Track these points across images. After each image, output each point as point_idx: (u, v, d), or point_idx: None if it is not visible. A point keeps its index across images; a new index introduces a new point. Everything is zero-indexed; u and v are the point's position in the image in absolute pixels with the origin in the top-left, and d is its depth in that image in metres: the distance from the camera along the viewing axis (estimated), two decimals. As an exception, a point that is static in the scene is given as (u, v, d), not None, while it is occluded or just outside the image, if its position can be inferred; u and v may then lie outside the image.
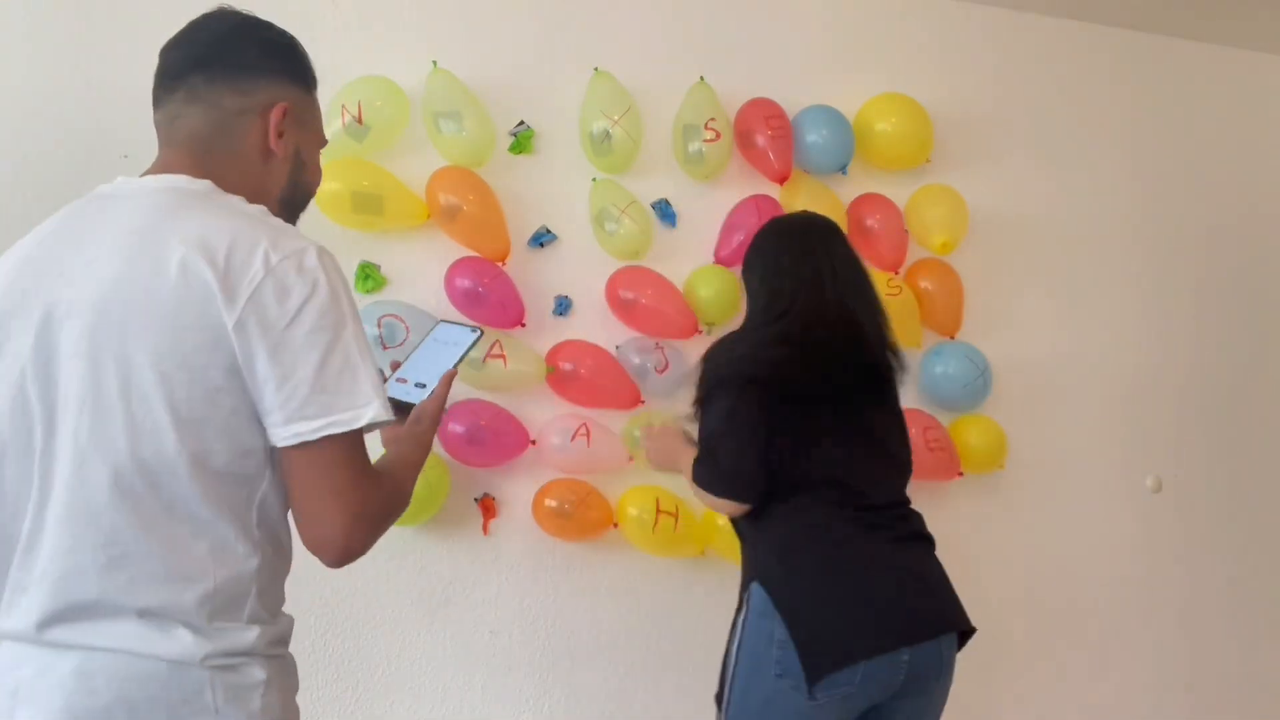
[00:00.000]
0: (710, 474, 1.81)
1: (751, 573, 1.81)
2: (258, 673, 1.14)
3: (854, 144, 2.61)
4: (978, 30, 2.87)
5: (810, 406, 1.79)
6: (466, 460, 2.32)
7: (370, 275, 2.33)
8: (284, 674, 1.20)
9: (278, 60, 1.31)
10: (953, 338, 2.71)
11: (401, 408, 1.39)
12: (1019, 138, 2.89)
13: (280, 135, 1.29)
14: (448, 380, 1.40)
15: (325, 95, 2.23)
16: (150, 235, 1.14)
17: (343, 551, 1.16)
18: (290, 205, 1.35)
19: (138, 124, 2.19)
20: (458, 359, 1.45)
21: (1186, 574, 2.99)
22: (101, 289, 1.13)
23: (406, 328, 2.24)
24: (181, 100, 1.26)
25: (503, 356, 2.30)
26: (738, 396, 1.78)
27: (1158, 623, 2.95)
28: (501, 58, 2.46)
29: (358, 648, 2.30)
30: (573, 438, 2.33)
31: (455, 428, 2.28)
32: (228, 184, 1.24)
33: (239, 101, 1.26)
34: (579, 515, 2.33)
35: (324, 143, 1.42)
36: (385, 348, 2.21)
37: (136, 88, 2.22)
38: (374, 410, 1.15)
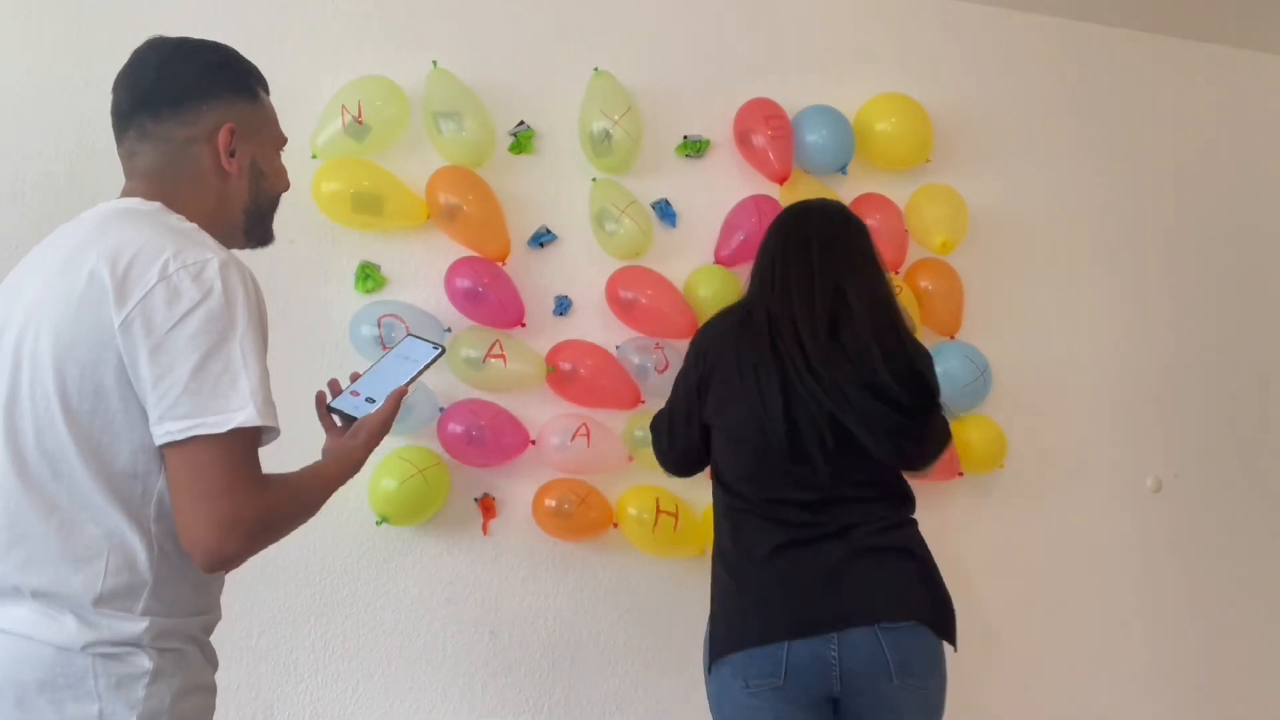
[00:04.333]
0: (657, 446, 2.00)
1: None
2: (144, 662, 1.17)
3: (854, 144, 2.61)
4: (978, 30, 2.87)
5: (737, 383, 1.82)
6: (466, 460, 2.32)
7: (370, 275, 2.33)
8: (180, 669, 1.21)
9: (216, 80, 1.35)
10: (952, 338, 2.71)
11: (348, 420, 1.39)
12: (1019, 138, 2.89)
13: (232, 155, 1.34)
14: (396, 398, 1.38)
15: (325, 95, 2.26)
16: (80, 249, 1.22)
17: (214, 557, 1.16)
18: (255, 214, 1.40)
19: (138, 124, 2.21)
20: (411, 376, 1.42)
21: (1186, 574, 2.98)
22: (34, 297, 1.24)
23: (406, 328, 2.24)
24: (134, 139, 1.33)
25: (503, 356, 2.30)
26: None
27: (1157, 623, 2.95)
28: (501, 58, 2.46)
29: (358, 648, 2.30)
30: (573, 438, 2.33)
31: (455, 428, 2.28)
32: (185, 205, 1.30)
33: (186, 132, 1.32)
34: (579, 515, 2.33)
35: (282, 142, 1.45)
36: (384, 349, 2.21)
37: (136, 88, 2.24)
38: (246, 415, 1.16)
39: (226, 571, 1.26)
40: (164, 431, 1.15)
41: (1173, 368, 3.01)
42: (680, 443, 1.92)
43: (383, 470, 2.22)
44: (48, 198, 2.14)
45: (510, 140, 2.44)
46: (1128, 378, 2.96)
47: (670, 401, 1.95)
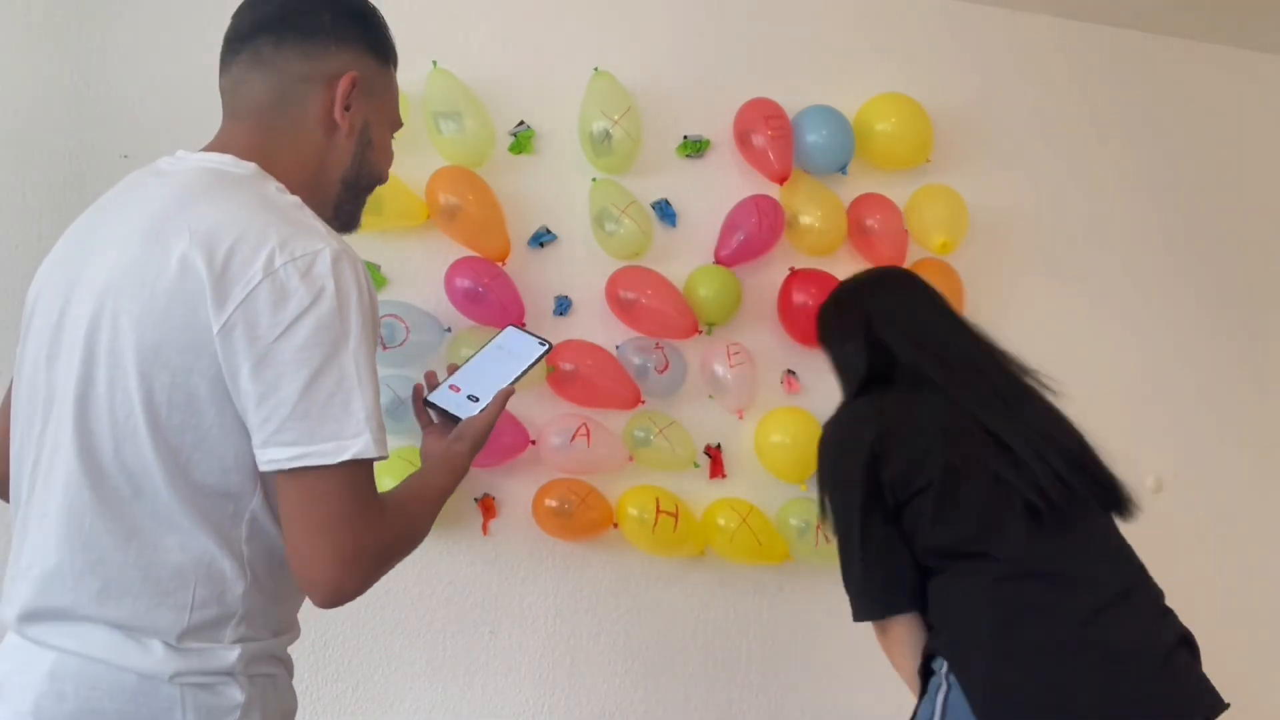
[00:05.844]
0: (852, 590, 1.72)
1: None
2: (236, 694, 1.07)
3: (854, 144, 2.61)
4: (978, 30, 2.87)
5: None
6: (466, 460, 2.32)
7: (370, 275, 2.33)
8: (271, 693, 1.13)
9: (353, 27, 1.21)
10: (953, 338, 2.71)
11: (447, 418, 1.29)
12: (1019, 138, 2.89)
13: (347, 108, 1.20)
14: (503, 398, 1.29)
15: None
16: (165, 222, 1.07)
17: (333, 595, 1.06)
18: (354, 187, 1.26)
19: (138, 124, 2.21)
20: (518, 374, 1.32)
21: (1186, 575, 2.98)
22: (110, 275, 1.07)
23: (406, 328, 2.24)
24: (246, 64, 1.18)
25: (503, 356, 2.30)
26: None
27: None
28: (501, 58, 2.46)
29: (358, 648, 2.30)
30: (573, 438, 2.33)
31: (455, 428, 2.28)
32: (282, 161, 1.16)
33: (305, 68, 1.17)
34: (579, 515, 2.33)
35: (398, 125, 1.31)
36: (384, 348, 2.22)
37: (136, 87, 2.24)
38: (362, 444, 1.03)
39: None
40: (269, 459, 1.03)
41: (1172, 367, 3.01)
42: (896, 558, 1.67)
43: (383, 470, 2.21)
44: (48, 199, 2.13)
45: (510, 140, 2.44)
46: (1127, 377, 2.95)
47: (846, 532, 1.72)
